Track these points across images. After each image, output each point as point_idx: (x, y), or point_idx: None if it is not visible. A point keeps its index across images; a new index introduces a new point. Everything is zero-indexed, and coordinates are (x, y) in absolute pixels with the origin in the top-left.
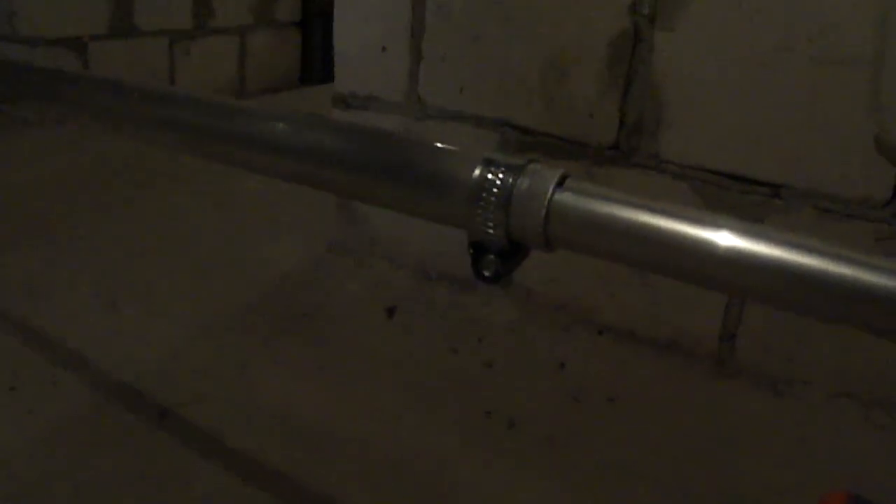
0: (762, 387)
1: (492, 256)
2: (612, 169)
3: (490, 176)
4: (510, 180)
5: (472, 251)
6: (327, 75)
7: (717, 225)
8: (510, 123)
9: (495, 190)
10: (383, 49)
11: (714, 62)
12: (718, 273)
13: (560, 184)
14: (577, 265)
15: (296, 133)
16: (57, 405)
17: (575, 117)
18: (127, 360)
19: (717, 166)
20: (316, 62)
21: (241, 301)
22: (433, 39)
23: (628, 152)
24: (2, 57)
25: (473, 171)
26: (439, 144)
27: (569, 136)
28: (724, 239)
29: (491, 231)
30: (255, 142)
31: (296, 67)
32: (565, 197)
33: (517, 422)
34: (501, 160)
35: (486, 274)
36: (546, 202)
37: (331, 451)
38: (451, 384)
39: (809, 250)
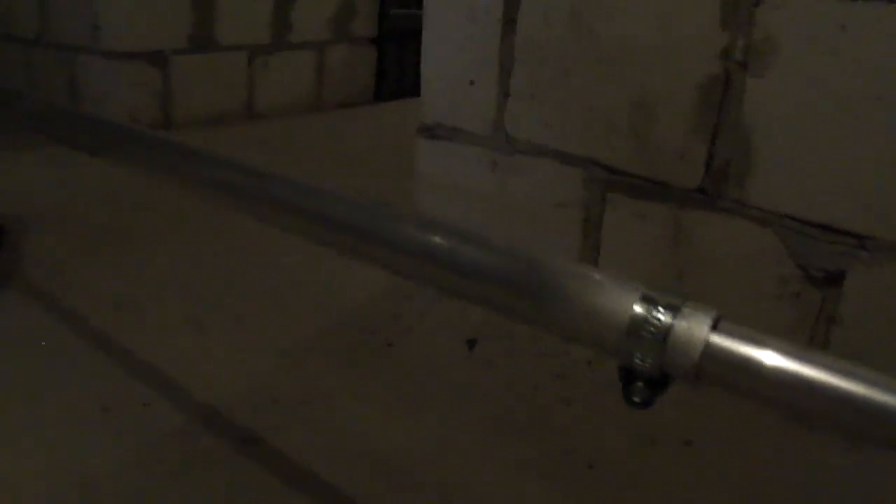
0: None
1: (641, 384)
2: (697, 212)
3: (649, 314)
4: (668, 320)
5: (621, 375)
6: (401, 91)
7: (868, 381)
8: (596, 161)
9: (653, 329)
10: (471, 82)
11: (804, 110)
12: (879, 430)
13: (714, 326)
14: None
15: (454, 248)
16: (147, 427)
17: (661, 159)
18: (214, 384)
19: (802, 214)
20: (391, 78)
21: (323, 328)
22: (521, 74)
23: (714, 196)
24: (84, 76)
25: (633, 307)
26: (598, 275)
27: (654, 177)
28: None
29: (644, 363)
30: (414, 252)
31: (371, 83)
32: (719, 340)
33: (595, 463)
34: (659, 298)
35: (636, 400)
36: (702, 344)
37: (411, 487)
38: (532, 421)
39: None
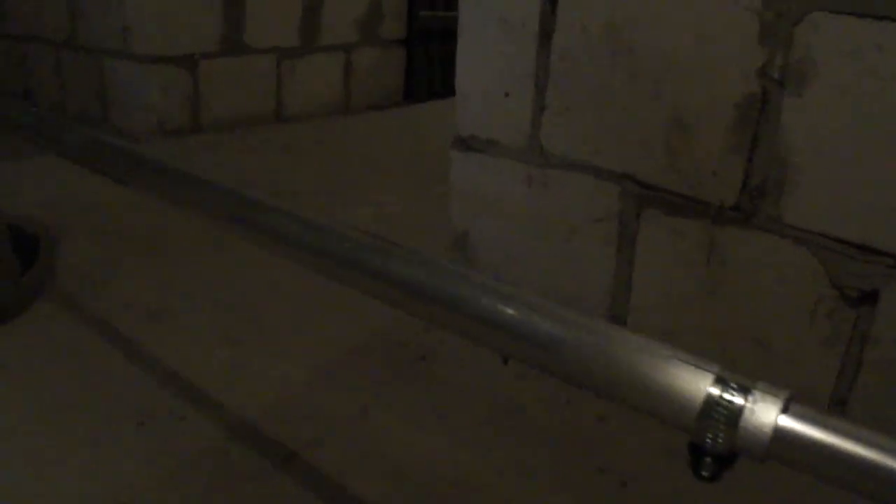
0: None
1: (709, 459)
2: (732, 229)
3: (722, 396)
4: (739, 401)
5: (690, 450)
6: (430, 93)
7: None
8: (632, 177)
9: (725, 411)
10: (506, 94)
11: (843, 130)
12: None
13: (785, 408)
14: (691, 320)
15: (524, 320)
16: (183, 442)
17: (697, 176)
18: (249, 398)
19: (839, 233)
20: (419, 80)
21: (357, 341)
22: (557, 88)
23: (749, 214)
24: (113, 79)
25: (706, 389)
26: (672, 353)
27: (690, 193)
28: None
29: (715, 443)
30: (486, 321)
31: (400, 85)
32: (789, 422)
33: (629, 481)
34: (732, 379)
35: (705, 474)
36: (772, 427)
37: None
38: (565, 437)
39: None
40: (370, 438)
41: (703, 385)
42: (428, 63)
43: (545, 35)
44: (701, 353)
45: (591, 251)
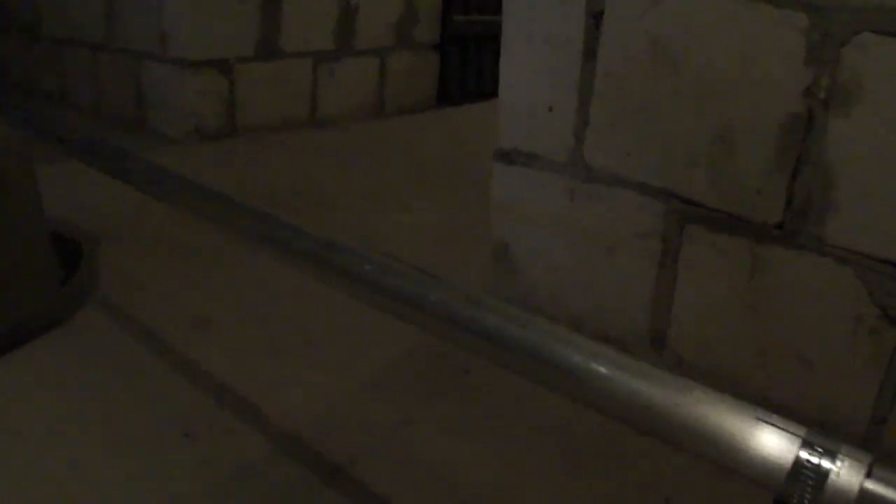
0: None
1: None
2: (775, 247)
3: (808, 459)
4: (825, 465)
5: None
6: (464, 97)
7: None
8: (675, 193)
9: (812, 474)
10: (550, 109)
11: (887, 150)
12: None
13: (869, 472)
14: (733, 334)
15: (612, 375)
16: (230, 455)
17: (740, 194)
18: (294, 410)
19: (882, 254)
20: (453, 84)
21: (400, 353)
22: (601, 104)
23: (792, 233)
24: (149, 83)
25: (795, 452)
26: (759, 415)
27: (733, 211)
28: None
29: (802, 502)
30: (550, 364)
31: (433, 88)
32: (874, 486)
33: (672, 498)
34: (818, 442)
35: None
36: (857, 490)
37: None
38: (609, 454)
39: None
40: (414, 452)
41: (791, 448)
42: (461, 67)
43: (589, 51)
44: (787, 418)
45: (632, 265)
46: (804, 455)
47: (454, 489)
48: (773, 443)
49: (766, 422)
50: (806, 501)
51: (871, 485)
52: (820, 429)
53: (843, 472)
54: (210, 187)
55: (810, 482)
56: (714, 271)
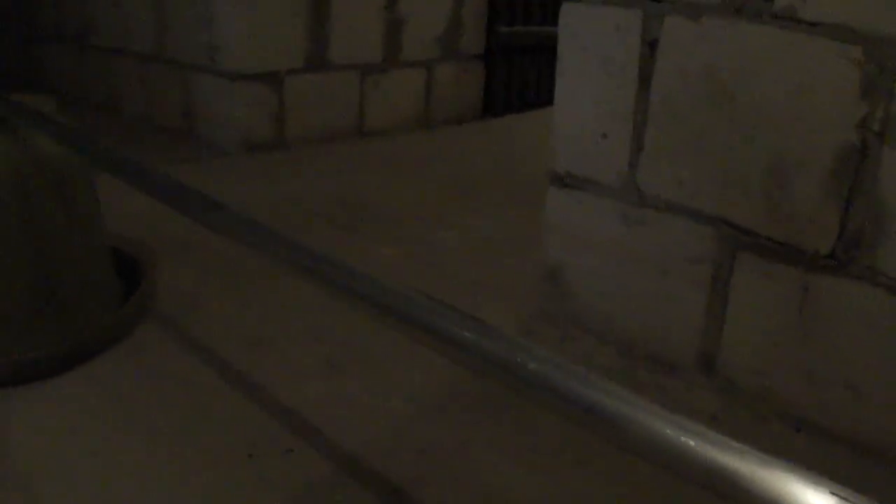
0: None
1: None
2: (826, 277)
3: None
4: None
5: None
6: (508, 107)
7: None
8: (728, 221)
9: None
10: (604, 135)
11: None
12: None
13: None
14: (782, 361)
15: (672, 442)
16: (292, 476)
17: (793, 223)
18: (353, 431)
19: None
20: (498, 94)
21: (456, 373)
22: (655, 131)
23: (844, 262)
24: (199, 94)
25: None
26: (789, 466)
27: (785, 240)
28: None
29: None
30: (591, 412)
31: (478, 99)
32: None
33: None
34: (845, 496)
35: None
36: None
37: None
38: (659, 478)
39: None
40: (472, 475)
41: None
42: (506, 78)
43: (644, 78)
44: (815, 473)
45: (684, 290)
46: None
47: None
48: (800, 493)
49: (800, 478)
50: None
51: None
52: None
53: None
54: (266, 226)
55: None
56: (765, 298)
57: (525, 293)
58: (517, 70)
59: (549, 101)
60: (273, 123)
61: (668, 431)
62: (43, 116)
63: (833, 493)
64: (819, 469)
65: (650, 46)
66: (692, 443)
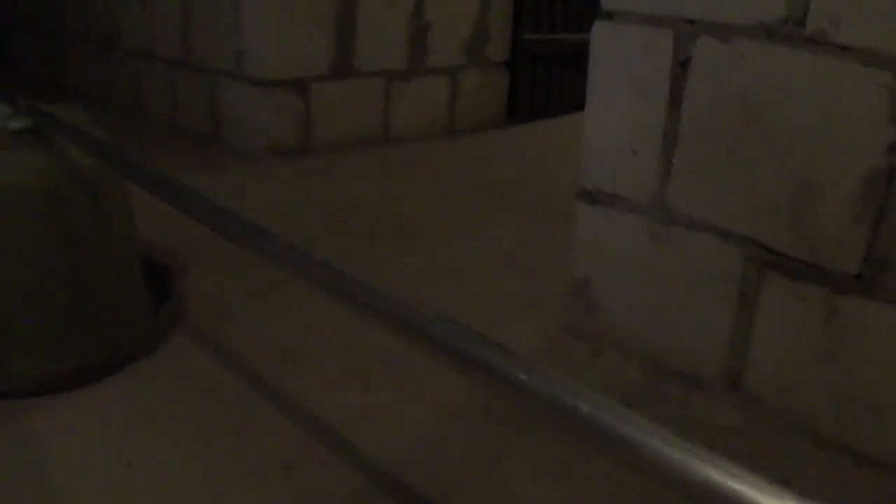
0: None
1: None
2: (853, 298)
3: None
4: None
5: None
6: (532, 114)
7: None
8: (756, 240)
9: None
10: (633, 153)
11: None
12: None
13: None
14: (807, 380)
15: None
16: (329, 489)
17: (820, 243)
18: (386, 444)
19: None
20: (522, 101)
21: None
22: (685, 150)
23: (871, 284)
24: (225, 100)
25: None
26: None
27: (812, 260)
28: None
29: None
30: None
31: (502, 106)
32: None
33: None
34: None
35: None
36: None
37: None
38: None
39: None
40: (503, 489)
41: None
42: (530, 84)
43: (675, 97)
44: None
45: (711, 308)
46: None
47: None
48: None
49: None
50: None
51: None
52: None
53: None
54: (307, 252)
55: None
56: (792, 317)
57: (552, 306)
58: (541, 76)
59: (573, 108)
60: (299, 129)
61: (693, 464)
62: (77, 129)
63: None
64: (841, 487)
65: (681, 66)
66: (716, 476)
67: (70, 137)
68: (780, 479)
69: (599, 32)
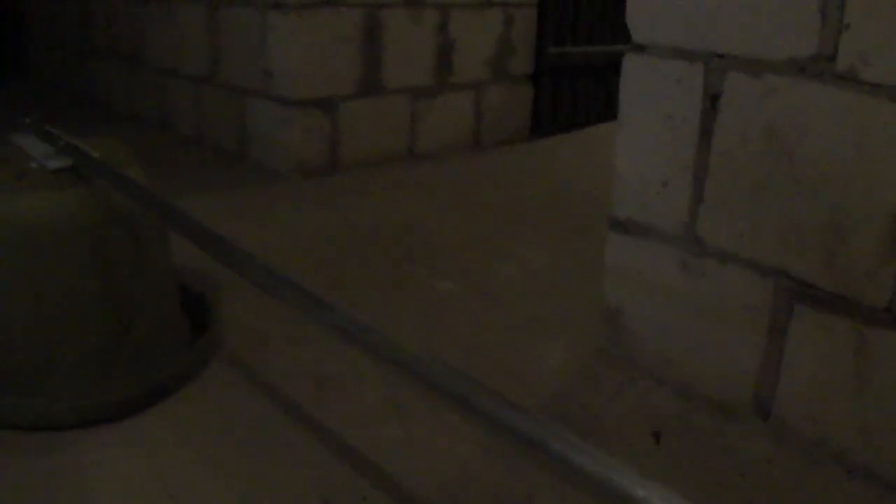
0: None
1: None
2: (883, 331)
3: None
4: None
5: None
6: (556, 128)
7: None
8: (786, 273)
9: None
10: (664, 184)
11: None
12: None
13: None
14: (837, 411)
15: None
16: None
17: (850, 277)
18: (424, 476)
19: None
20: (546, 115)
21: None
22: (715, 182)
23: None
24: (253, 119)
25: None
26: None
27: (842, 292)
28: None
29: None
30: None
31: (527, 120)
32: None
33: None
34: None
35: None
36: None
37: None
38: None
39: None
40: None
41: None
42: (554, 98)
43: (705, 132)
44: None
45: (741, 339)
46: None
47: None
48: None
49: None
50: None
51: None
52: None
53: None
54: (330, 303)
55: None
56: (821, 348)
57: (583, 329)
58: (565, 90)
59: (596, 121)
60: (327, 148)
61: None
62: (113, 171)
63: None
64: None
65: (712, 100)
66: None
67: (108, 180)
68: None
69: (630, 65)
